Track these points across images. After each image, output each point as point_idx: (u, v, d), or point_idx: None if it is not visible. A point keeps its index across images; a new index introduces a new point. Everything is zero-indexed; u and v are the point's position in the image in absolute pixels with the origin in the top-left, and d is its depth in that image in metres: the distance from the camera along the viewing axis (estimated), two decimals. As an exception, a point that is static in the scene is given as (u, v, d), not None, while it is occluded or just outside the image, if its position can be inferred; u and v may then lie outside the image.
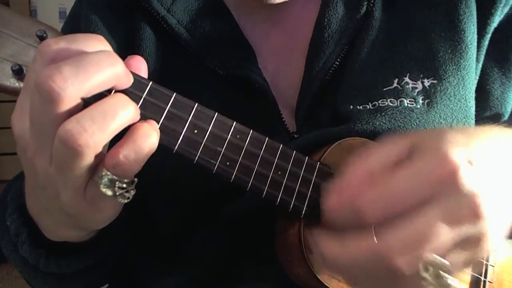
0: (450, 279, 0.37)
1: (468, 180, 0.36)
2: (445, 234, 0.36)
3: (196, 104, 0.43)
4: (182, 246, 0.60)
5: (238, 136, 0.44)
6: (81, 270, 0.53)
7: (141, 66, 0.41)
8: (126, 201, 0.39)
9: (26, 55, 0.39)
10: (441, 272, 0.37)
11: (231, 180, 0.44)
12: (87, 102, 0.36)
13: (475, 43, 0.58)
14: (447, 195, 0.36)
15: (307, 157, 0.47)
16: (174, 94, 0.42)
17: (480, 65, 0.60)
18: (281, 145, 0.46)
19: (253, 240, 0.55)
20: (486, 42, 0.59)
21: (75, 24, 0.64)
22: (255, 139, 0.45)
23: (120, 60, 0.38)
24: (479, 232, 0.37)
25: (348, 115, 0.55)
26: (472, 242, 0.38)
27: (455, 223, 0.36)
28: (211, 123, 0.43)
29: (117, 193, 0.38)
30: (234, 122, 0.44)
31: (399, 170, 0.38)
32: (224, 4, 0.61)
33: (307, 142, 0.53)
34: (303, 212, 0.47)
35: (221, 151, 0.43)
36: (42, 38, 0.38)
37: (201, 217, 0.57)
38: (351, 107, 0.55)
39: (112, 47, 0.58)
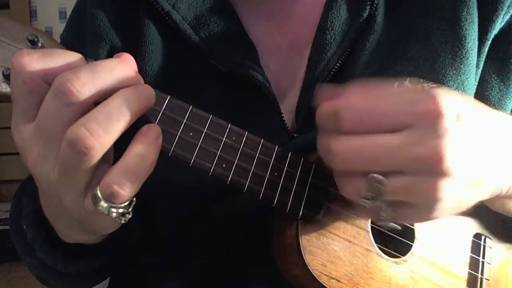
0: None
1: (447, 127, 0.38)
2: (397, 161, 0.38)
3: (191, 107, 0.42)
4: (182, 247, 0.60)
5: (233, 138, 0.44)
6: (96, 269, 0.55)
7: (129, 64, 0.41)
8: (123, 222, 0.40)
9: None
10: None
11: (228, 182, 0.44)
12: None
13: (475, 49, 0.58)
14: (419, 128, 0.38)
15: (302, 158, 0.47)
16: (168, 97, 0.42)
17: (479, 71, 0.60)
18: (277, 146, 0.46)
19: (253, 240, 0.55)
20: (486, 49, 0.59)
21: (80, 19, 0.64)
22: (251, 140, 0.45)
23: (130, 67, 0.39)
24: (435, 173, 0.38)
25: None
26: (424, 180, 0.39)
27: (412, 157, 0.38)
28: (206, 125, 0.43)
29: (113, 216, 0.39)
30: (230, 124, 0.44)
31: (387, 89, 0.40)
32: (228, 2, 0.62)
33: (305, 142, 0.53)
34: (300, 214, 0.47)
35: (217, 153, 0.43)
36: (33, 43, 0.38)
37: (200, 218, 0.57)
38: None
39: (116, 43, 0.60)
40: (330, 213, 0.48)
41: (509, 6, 0.58)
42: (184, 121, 0.42)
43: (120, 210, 0.39)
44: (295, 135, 0.57)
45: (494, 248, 0.59)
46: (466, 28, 0.57)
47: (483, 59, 0.59)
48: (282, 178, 0.46)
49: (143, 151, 0.38)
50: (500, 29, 0.60)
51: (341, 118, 0.40)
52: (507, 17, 0.59)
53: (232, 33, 0.60)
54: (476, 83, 0.60)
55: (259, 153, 0.45)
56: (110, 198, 0.37)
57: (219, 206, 0.56)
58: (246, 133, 0.45)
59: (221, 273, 0.58)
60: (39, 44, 0.39)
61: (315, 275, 0.47)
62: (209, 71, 0.58)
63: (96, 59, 0.39)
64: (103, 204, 0.38)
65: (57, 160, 0.37)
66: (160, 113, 0.41)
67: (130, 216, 0.40)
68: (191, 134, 0.42)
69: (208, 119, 0.43)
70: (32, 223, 0.52)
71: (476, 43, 0.58)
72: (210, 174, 0.43)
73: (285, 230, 0.49)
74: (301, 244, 0.47)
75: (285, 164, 0.46)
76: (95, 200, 0.38)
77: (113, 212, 0.38)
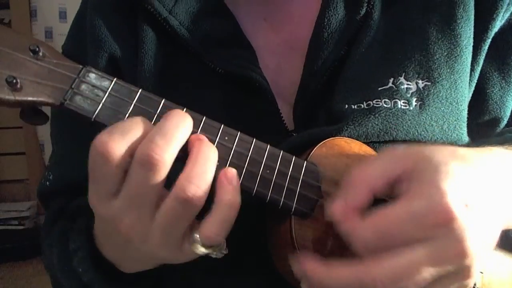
0: None
1: (462, 226, 0.39)
2: (429, 272, 0.40)
3: (185, 109, 0.44)
4: None
5: (226, 138, 0.46)
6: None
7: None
8: (219, 257, 0.44)
9: (20, 68, 0.40)
10: None
11: None
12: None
13: (470, 48, 0.58)
14: (438, 237, 0.40)
15: (294, 156, 0.49)
16: (163, 100, 0.43)
17: (479, 68, 0.60)
18: (268, 146, 0.48)
19: (250, 236, 0.55)
20: (486, 47, 0.60)
21: (79, 29, 0.66)
22: (243, 140, 0.46)
23: (185, 113, 0.42)
24: (464, 268, 0.41)
25: (342, 115, 0.56)
26: (456, 276, 0.41)
27: (440, 264, 0.40)
28: (199, 126, 0.44)
29: (213, 256, 0.44)
30: (222, 125, 0.46)
31: (395, 207, 0.41)
32: (225, 5, 0.63)
33: (300, 141, 0.54)
34: (293, 209, 0.48)
35: None
36: (34, 52, 0.40)
37: (198, 215, 0.58)
38: (346, 106, 0.56)
39: (115, 51, 0.62)
40: (323, 208, 0.49)
41: (509, 4, 0.59)
42: None
43: (223, 251, 0.44)
44: (293, 133, 0.58)
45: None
46: (461, 26, 0.57)
47: (483, 57, 0.60)
48: (274, 176, 0.47)
49: (231, 200, 0.42)
50: (501, 27, 0.60)
51: (357, 243, 0.42)
52: (507, 15, 0.60)
53: (229, 35, 0.61)
54: (475, 81, 0.61)
55: (251, 153, 0.46)
56: (212, 246, 0.42)
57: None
58: (239, 133, 0.46)
59: (219, 268, 0.58)
60: (40, 54, 0.40)
61: None
62: (208, 73, 0.60)
63: (96, 67, 0.42)
64: (204, 250, 0.43)
65: (154, 219, 0.41)
66: (156, 116, 0.43)
67: (226, 251, 0.44)
68: None
69: (201, 120, 0.45)
70: (90, 266, 0.54)
71: (471, 41, 0.58)
72: None
73: (279, 226, 0.50)
74: (294, 239, 0.48)
75: (276, 163, 0.48)
76: (196, 248, 0.42)
77: (213, 254, 0.43)
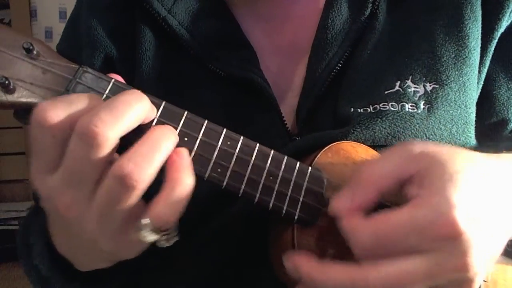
0: None
1: (469, 240, 0.38)
2: (424, 284, 0.39)
3: (186, 112, 0.43)
4: (180, 250, 0.60)
5: (228, 143, 0.44)
6: None
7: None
8: (168, 245, 0.41)
9: (13, 68, 0.39)
10: None
11: (223, 187, 0.44)
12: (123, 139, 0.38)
13: (478, 49, 0.57)
14: (440, 250, 0.38)
15: (298, 162, 0.47)
16: (163, 102, 0.42)
17: (485, 70, 0.59)
18: (272, 151, 0.46)
19: (251, 244, 0.55)
20: (492, 47, 0.59)
21: (74, 29, 0.64)
22: (246, 145, 0.45)
23: (143, 94, 0.39)
24: (465, 280, 0.40)
25: (348, 118, 0.54)
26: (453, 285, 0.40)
27: (437, 277, 0.39)
28: (201, 131, 0.43)
29: (161, 244, 0.40)
30: (224, 129, 0.44)
31: (400, 213, 0.40)
32: (226, 5, 0.61)
33: (304, 145, 0.53)
34: (296, 218, 0.47)
35: (212, 159, 0.43)
36: (28, 51, 0.38)
37: (198, 222, 0.57)
38: (352, 109, 0.55)
39: (111, 51, 0.61)
40: (327, 217, 0.48)
41: None
42: (179, 127, 0.42)
43: (173, 238, 0.41)
44: (296, 138, 0.57)
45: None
46: (469, 27, 0.56)
47: (489, 57, 0.59)
48: (277, 183, 0.46)
49: (181, 178, 0.39)
50: (507, 27, 0.59)
51: (355, 246, 0.41)
52: None
53: (230, 36, 0.60)
54: (482, 83, 0.60)
55: (254, 158, 0.45)
56: (161, 229, 0.39)
57: (217, 209, 0.55)
58: (242, 138, 0.45)
59: (218, 274, 0.58)
60: (34, 52, 0.39)
61: None
62: (208, 75, 0.58)
63: (92, 68, 0.40)
64: (152, 236, 0.39)
65: (93, 200, 0.38)
66: (156, 119, 0.41)
67: (176, 238, 0.41)
68: (185, 139, 0.42)
69: (203, 124, 0.43)
70: (45, 259, 0.53)
71: (479, 42, 0.57)
72: (205, 179, 0.43)
73: (281, 234, 0.49)
74: (296, 248, 0.47)
75: (280, 169, 0.46)
76: (144, 232, 0.39)
77: (162, 241, 0.40)
